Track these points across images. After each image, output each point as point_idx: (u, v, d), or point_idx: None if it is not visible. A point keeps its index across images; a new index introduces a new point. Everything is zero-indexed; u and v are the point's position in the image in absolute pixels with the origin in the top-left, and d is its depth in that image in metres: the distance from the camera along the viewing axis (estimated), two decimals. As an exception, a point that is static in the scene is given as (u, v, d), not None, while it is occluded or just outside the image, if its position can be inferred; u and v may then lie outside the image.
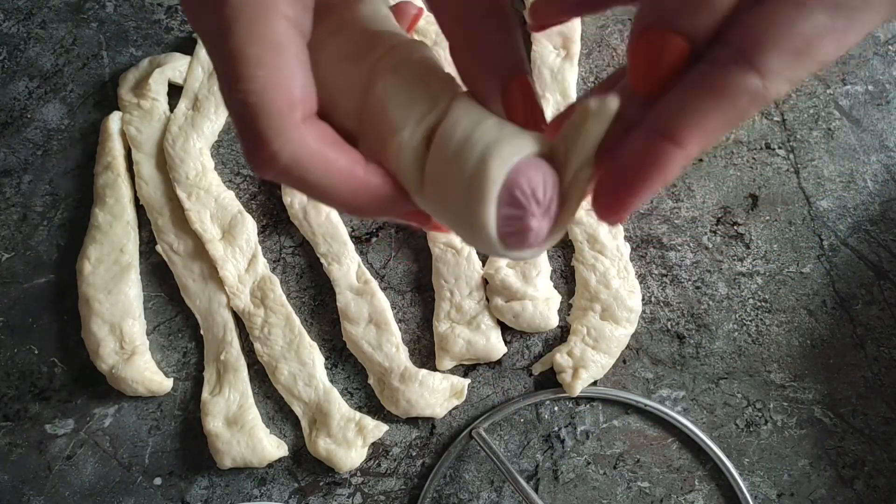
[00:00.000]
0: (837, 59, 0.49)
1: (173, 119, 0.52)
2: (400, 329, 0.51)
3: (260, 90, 0.22)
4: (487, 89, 0.25)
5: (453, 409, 0.50)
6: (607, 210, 0.22)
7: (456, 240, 0.51)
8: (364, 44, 0.26)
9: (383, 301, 0.50)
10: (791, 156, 0.53)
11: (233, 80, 0.22)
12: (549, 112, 0.52)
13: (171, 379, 0.51)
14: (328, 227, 0.51)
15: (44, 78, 0.54)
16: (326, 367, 0.51)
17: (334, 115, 0.25)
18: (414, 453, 0.50)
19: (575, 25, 0.53)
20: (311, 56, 0.24)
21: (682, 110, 0.21)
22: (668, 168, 0.21)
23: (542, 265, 0.50)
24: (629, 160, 0.22)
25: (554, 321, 0.50)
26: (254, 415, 0.49)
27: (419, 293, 0.52)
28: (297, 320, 0.50)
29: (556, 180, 0.23)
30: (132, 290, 0.51)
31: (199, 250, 0.51)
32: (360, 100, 0.25)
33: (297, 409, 0.50)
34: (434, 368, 0.50)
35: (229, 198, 0.52)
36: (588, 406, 0.51)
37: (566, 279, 0.52)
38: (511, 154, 0.22)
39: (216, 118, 0.53)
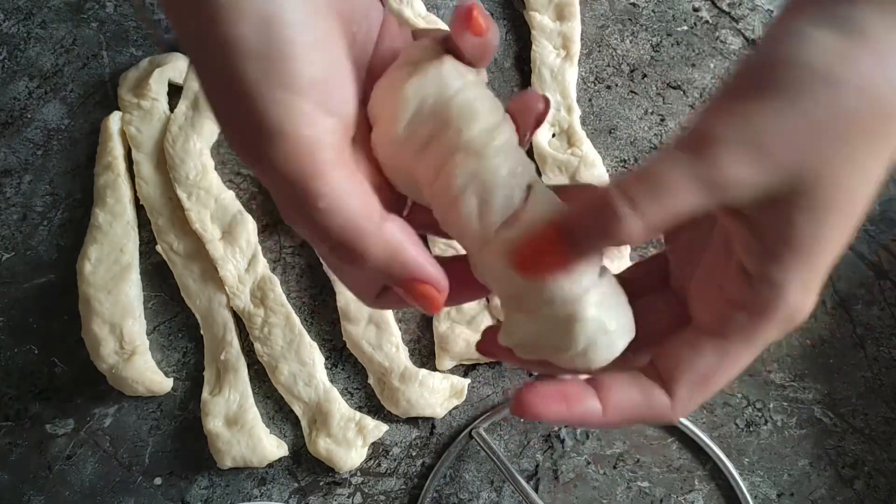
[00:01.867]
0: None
1: (173, 119, 0.52)
2: (400, 329, 0.51)
3: (331, 209, 0.24)
4: None
5: (453, 409, 0.50)
6: None
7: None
8: (432, 126, 0.26)
9: (383, 301, 0.50)
10: (791, 156, 0.53)
11: (303, 205, 0.24)
12: (551, 111, 0.52)
13: (171, 379, 0.51)
14: (328, 226, 0.51)
15: (44, 78, 0.54)
16: (326, 367, 0.51)
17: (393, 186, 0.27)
18: (414, 453, 0.50)
19: (575, 25, 0.53)
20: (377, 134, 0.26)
21: (614, 386, 0.27)
22: (580, 415, 0.27)
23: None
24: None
25: (554, 321, 0.50)
26: (254, 415, 0.49)
27: (419, 293, 0.52)
28: (297, 320, 0.50)
29: None
30: (132, 290, 0.51)
31: (199, 250, 0.51)
32: (427, 182, 0.26)
33: (297, 409, 0.50)
34: (434, 368, 0.50)
35: (229, 198, 0.52)
36: (588, 406, 0.51)
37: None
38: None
39: (216, 118, 0.53)
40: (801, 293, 0.26)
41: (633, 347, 0.28)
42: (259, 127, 0.23)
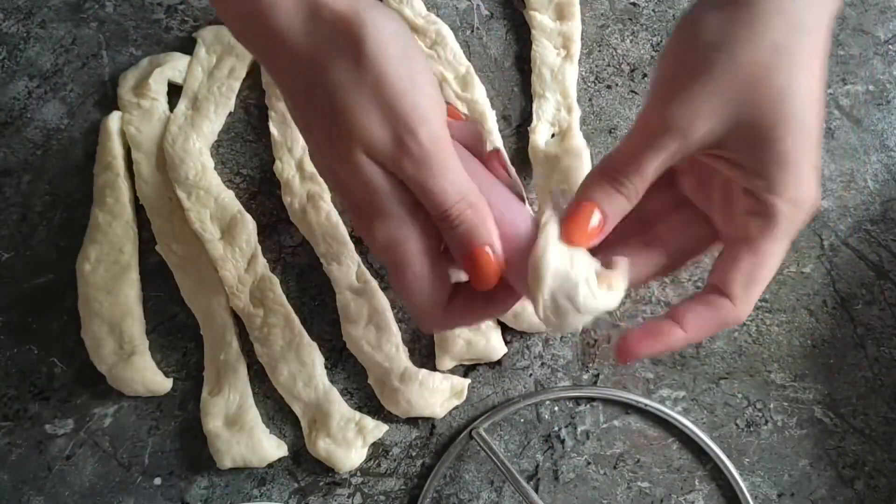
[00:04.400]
0: (837, 61, 0.49)
1: (173, 119, 0.52)
2: (400, 329, 0.51)
3: (455, 181, 0.34)
4: None
5: (453, 409, 0.50)
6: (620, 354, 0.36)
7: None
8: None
9: (383, 301, 0.50)
10: (791, 155, 0.53)
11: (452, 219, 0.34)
12: (551, 111, 0.52)
13: (171, 379, 0.51)
14: (328, 226, 0.51)
15: (43, 77, 0.54)
16: (326, 367, 0.51)
17: None
18: (414, 453, 0.50)
19: (575, 25, 0.53)
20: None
21: (688, 312, 0.35)
22: (669, 343, 0.35)
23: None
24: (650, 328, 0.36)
25: (554, 321, 0.50)
26: (253, 415, 0.49)
27: (419, 293, 0.52)
28: (296, 320, 0.50)
29: None
30: (132, 290, 0.51)
31: (199, 250, 0.51)
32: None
33: (297, 410, 0.50)
34: (434, 368, 0.50)
35: (229, 197, 0.52)
36: (588, 406, 0.51)
37: (566, 279, 0.51)
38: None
39: (216, 118, 0.53)
40: (796, 187, 0.33)
41: (675, 261, 0.37)
42: (409, 117, 0.32)
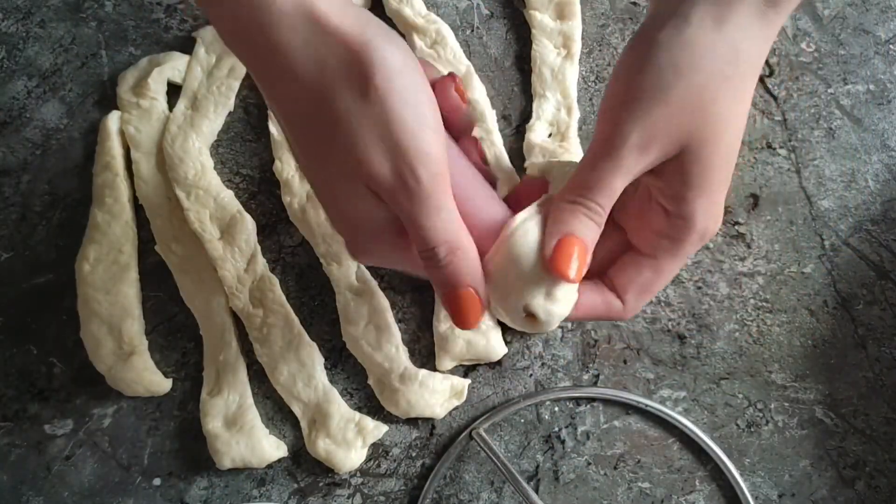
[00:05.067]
0: (837, 61, 0.49)
1: (172, 118, 0.52)
2: (400, 329, 0.51)
3: (446, 220, 0.34)
4: None
5: (453, 409, 0.50)
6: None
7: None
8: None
9: (383, 301, 0.50)
10: (792, 155, 0.53)
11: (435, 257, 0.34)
12: (551, 110, 0.52)
13: (171, 379, 0.51)
14: (328, 226, 0.51)
15: (43, 77, 0.54)
16: (326, 368, 0.51)
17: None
18: (414, 454, 0.50)
19: (576, 24, 0.53)
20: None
21: (582, 293, 0.38)
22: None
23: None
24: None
25: (554, 321, 0.50)
26: (253, 415, 0.49)
27: (419, 293, 0.52)
28: (296, 320, 0.50)
29: None
30: (131, 290, 0.50)
31: (198, 250, 0.51)
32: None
33: (297, 410, 0.50)
34: (434, 369, 0.50)
35: (228, 197, 0.52)
36: (588, 406, 0.50)
37: (566, 279, 0.51)
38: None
39: (215, 118, 0.53)
40: (705, 219, 0.36)
41: (595, 268, 0.39)
42: (409, 149, 0.32)
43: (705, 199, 0.35)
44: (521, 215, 0.37)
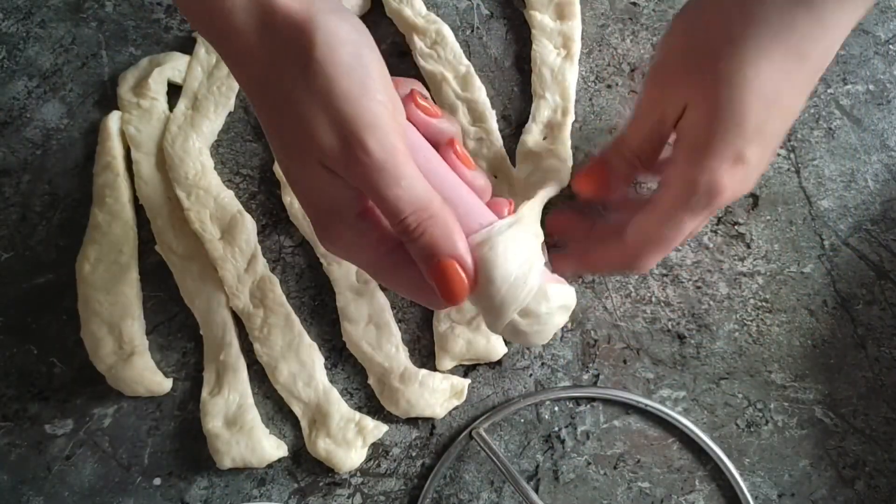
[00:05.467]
0: (837, 61, 0.50)
1: (173, 119, 0.52)
2: (400, 329, 0.51)
3: (409, 188, 0.32)
4: None
5: (453, 409, 0.50)
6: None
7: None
8: None
9: (383, 301, 0.50)
10: (792, 155, 0.53)
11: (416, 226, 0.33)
12: (547, 113, 0.52)
13: (171, 379, 0.51)
14: (328, 226, 0.51)
15: (43, 77, 0.54)
16: (326, 367, 0.51)
17: None
18: (414, 454, 0.50)
19: (575, 25, 0.53)
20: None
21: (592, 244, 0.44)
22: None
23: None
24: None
25: (554, 321, 0.50)
26: (253, 415, 0.49)
27: (419, 293, 0.52)
28: (296, 320, 0.50)
29: None
30: (131, 290, 0.50)
31: (199, 250, 0.51)
32: None
33: (297, 410, 0.50)
34: (434, 368, 0.50)
35: (229, 197, 0.52)
36: (588, 406, 0.50)
37: (566, 279, 0.51)
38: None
39: (215, 118, 0.53)
40: (696, 170, 0.37)
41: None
42: (357, 124, 0.30)
43: (695, 152, 0.37)
44: (485, 231, 0.34)
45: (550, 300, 0.35)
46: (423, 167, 0.34)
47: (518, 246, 0.34)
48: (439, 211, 0.33)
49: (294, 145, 0.33)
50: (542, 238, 0.38)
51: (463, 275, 0.33)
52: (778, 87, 0.36)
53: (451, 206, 0.34)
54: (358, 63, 0.31)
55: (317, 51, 0.31)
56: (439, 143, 0.37)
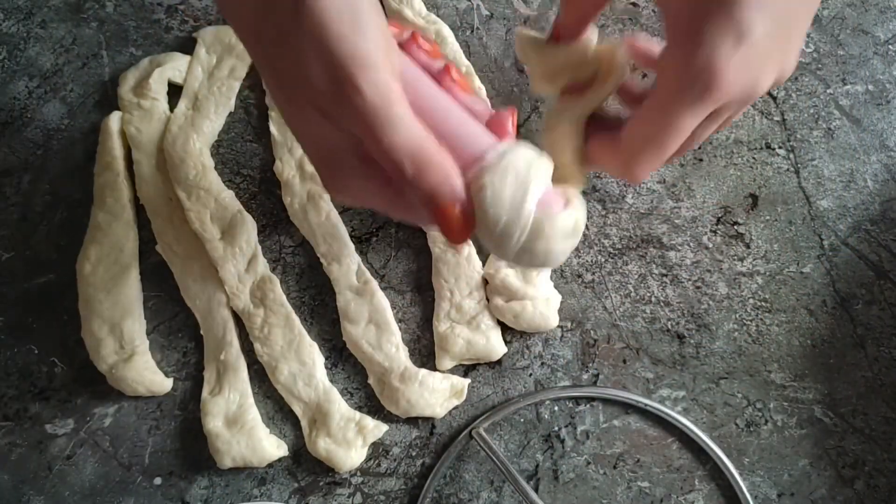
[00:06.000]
0: (836, 61, 0.49)
1: (173, 119, 0.52)
2: (400, 329, 0.51)
3: (406, 130, 0.31)
4: None
5: (453, 409, 0.50)
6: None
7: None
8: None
9: (383, 301, 0.50)
10: (791, 155, 0.53)
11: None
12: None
13: (171, 379, 0.51)
14: (328, 226, 0.51)
15: (44, 77, 0.54)
16: (326, 367, 0.51)
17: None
18: (414, 453, 0.50)
19: None
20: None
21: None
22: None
23: (542, 265, 0.50)
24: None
25: (554, 321, 0.50)
26: (254, 415, 0.49)
27: (419, 293, 0.52)
28: (296, 320, 0.50)
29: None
30: (132, 290, 0.51)
31: (199, 250, 0.51)
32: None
33: (297, 409, 0.50)
34: (434, 368, 0.50)
35: (229, 197, 0.52)
36: (588, 406, 0.51)
37: (566, 279, 0.51)
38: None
39: (216, 118, 0.53)
40: (694, 57, 0.31)
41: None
42: (350, 66, 0.29)
43: (689, 39, 0.31)
44: (477, 168, 0.33)
45: (553, 225, 0.33)
46: (419, 100, 0.33)
47: (511, 176, 0.32)
48: (435, 155, 0.31)
49: (291, 90, 0.31)
50: (543, 157, 0.35)
51: (461, 217, 0.32)
52: None
53: (447, 139, 0.33)
54: (349, 2, 0.30)
55: None
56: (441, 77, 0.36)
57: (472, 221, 0.33)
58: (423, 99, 0.33)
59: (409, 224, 0.51)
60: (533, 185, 0.33)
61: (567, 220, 0.33)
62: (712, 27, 0.30)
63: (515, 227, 0.32)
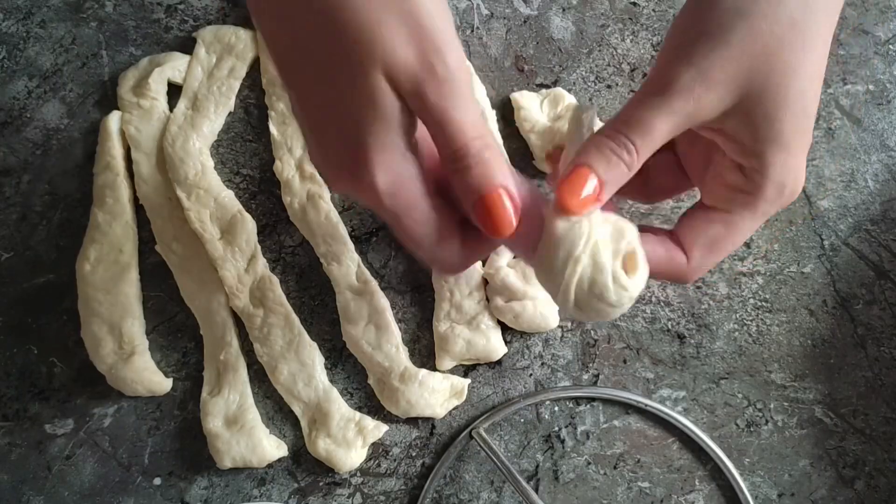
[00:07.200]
0: (837, 61, 0.49)
1: (173, 119, 0.52)
2: (400, 329, 0.51)
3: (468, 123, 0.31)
4: None
5: (453, 409, 0.50)
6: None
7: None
8: None
9: (383, 301, 0.50)
10: (792, 155, 0.53)
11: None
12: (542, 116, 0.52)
13: (171, 379, 0.51)
14: (328, 226, 0.51)
15: (43, 77, 0.54)
16: (326, 367, 0.51)
17: None
18: (414, 453, 0.50)
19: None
20: None
21: (646, 244, 0.34)
22: None
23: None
24: None
25: (554, 321, 0.50)
26: (253, 415, 0.49)
27: (419, 293, 0.52)
28: (296, 320, 0.50)
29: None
30: (131, 290, 0.51)
31: (199, 250, 0.51)
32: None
33: (297, 410, 0.50)
34: (434, 368, 0.50)
35: (229, 197, 0.52)
36: (588, 406, 0.51)
37: (566, 279, 0.51)
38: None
39: (216, 118, 0.53)
40: (782, 173, 0.33)
41: (646, 195, 0.40)
42: (438, 40, 0.29)
43: (780, 152, 0.33)
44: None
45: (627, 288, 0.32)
46: None
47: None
48: (493, 141, 0.32)
49: (352, 56, 0.29)
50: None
51: (510, 207, 0.32)
52: (821, 69, 0.34)
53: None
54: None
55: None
56: None
57: (519, 214, 0.32)
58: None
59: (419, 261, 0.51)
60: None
61: (642, 280, 0.33)
62: (778, 160, 0.33)
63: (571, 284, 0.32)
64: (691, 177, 0.38)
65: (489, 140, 0.32)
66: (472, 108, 0.31)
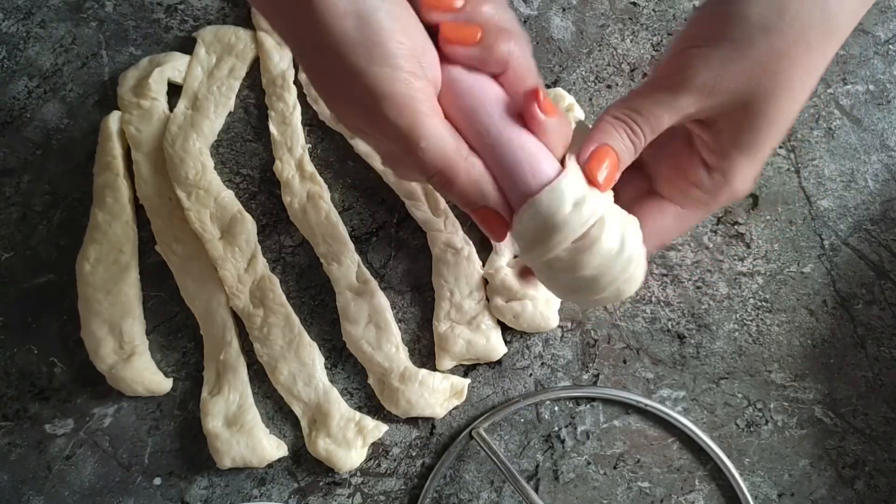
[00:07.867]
0: (837, 61, 0.49)
1: (173, 119, 0.52)
2: (400, 329, 0.51)
3: (430, 148, 0.32)
4: None
5: (453, 409, 0.50)
6: None
7: (456, 240, 0.50)
8: None
9: (383, 301, 0.50)
10: (792, 155, 0.53)
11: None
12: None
13: (171, 379, 0.51)
14: (328, 226, 0.51)
15: (43, 77, 0.54)
16: (326, 367, 0.51)
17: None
18: (414, 453, 0.50)
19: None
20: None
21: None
22: None
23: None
24: None
25: (554, 321, 0.50)
26: (253, 415, 0.49)
27: (419, 293, 0.52)
28: (296, 320, 0.50)
29: None
30: (131, 289, 0.51)
31: (199, 250, 0.51)
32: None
33: (297, 409, 0.50)
34: (434, 368, 0.50)
35: (229, 197, 0.52)
36: (588, 406, 0.51)
37: (566, 279, 0.51)
38: None
39: (215, 118, 0.53)
40: (742, 181, 0.36)
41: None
42: (370, 96, 0.31)
43: (748, 160, 0.35)
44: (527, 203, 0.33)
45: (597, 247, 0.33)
46: (463, 116, 0.33)
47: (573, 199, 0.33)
48: (463, 167, 0.33)
49: (330, 99, 0.34)
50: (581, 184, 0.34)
51: (498, 220, 0.34)
52: (812, 89, 0.35)
53: (499, 160, 0.33)
54: (360, 30, 0.30)
55: (318, 30, 0.30)
56: (494, 71, 0.34)
57: (508, 224, 0.34)
58: (466, 116, 0.33)
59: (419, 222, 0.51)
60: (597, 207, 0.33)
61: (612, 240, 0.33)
62: (744, 167, 0.35)
63: (555, 238, 0.33)
64: (652, 172, 0.39)
65: (456, 167, 0.33)
66: (428, 143, 0.32)
